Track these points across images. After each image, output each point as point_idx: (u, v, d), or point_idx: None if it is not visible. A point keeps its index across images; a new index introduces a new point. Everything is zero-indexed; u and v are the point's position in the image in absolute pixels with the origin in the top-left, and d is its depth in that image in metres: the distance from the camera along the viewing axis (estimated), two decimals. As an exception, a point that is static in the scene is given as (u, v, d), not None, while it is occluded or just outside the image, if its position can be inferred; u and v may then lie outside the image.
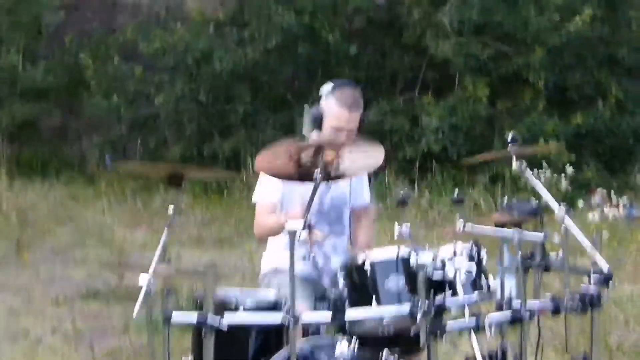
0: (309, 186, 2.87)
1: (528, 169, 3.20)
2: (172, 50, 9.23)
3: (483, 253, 3.06)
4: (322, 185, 3.18)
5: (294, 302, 2.59)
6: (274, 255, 3.39)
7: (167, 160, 8.75)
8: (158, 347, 2.46)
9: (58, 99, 9.80)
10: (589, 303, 3.08)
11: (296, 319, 2.54)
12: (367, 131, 3.43)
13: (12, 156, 8.86)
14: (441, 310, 2.79)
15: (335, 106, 3.29)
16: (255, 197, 3.41)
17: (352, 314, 2.76)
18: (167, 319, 2.41)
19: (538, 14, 8.83)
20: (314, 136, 3.35)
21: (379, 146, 2.95)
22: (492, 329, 2.87)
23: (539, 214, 3.24)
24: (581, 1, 8.88)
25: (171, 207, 2.56)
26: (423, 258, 2.82)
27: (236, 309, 2.80)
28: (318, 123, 3.32)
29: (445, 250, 2.97)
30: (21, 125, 9.33)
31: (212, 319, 2.44)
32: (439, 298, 2.78)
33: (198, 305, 2.78)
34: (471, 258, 2.98)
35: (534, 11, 8.85)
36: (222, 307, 2.77)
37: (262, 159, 2.84)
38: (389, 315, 2.80)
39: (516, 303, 2.96)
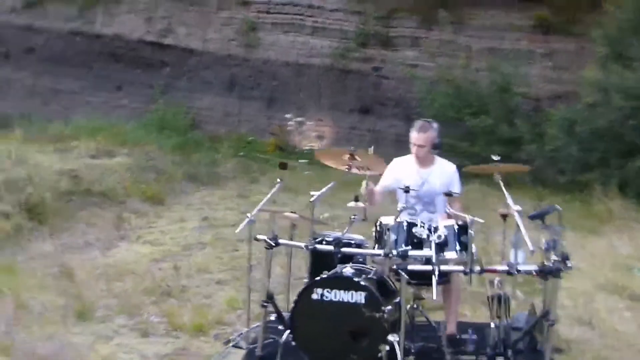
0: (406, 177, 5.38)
1: None
2: None
3: (471, 231, 4.70)
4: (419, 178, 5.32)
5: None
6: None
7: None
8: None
9: None
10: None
11: (312, 246, 4.83)
12: None
13: None
14: (404, 256, 4.61)
15: (412, 130, 5.45)
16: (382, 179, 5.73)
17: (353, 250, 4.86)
18: (255, 238, 5.02)
19: None
20: None
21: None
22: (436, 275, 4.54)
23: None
24: None
25: (279, 179, 5.13)
26: (387, 220, 4.72)
27: (321, 241, 5.13)
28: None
29: (442, 224, 4.77)
30: None
31: (271, 241, 4.92)
32: (403, 249, 4.64)
33: (311, 237, 5.25)
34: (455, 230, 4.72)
35: None
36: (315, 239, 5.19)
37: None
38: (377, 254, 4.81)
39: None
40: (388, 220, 4.93)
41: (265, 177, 14.03)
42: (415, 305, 5.37)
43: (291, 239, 5.28)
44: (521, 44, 15.32)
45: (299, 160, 14.85)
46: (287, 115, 16.89)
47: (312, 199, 4.92)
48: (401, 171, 5.63)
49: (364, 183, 5.28)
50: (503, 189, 4.87)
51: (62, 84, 18.47)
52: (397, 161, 5.80)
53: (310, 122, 17.06)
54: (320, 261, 5.17)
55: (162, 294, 6.59)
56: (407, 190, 5.03)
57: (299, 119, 16.92)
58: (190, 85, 17.89)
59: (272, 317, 5.35)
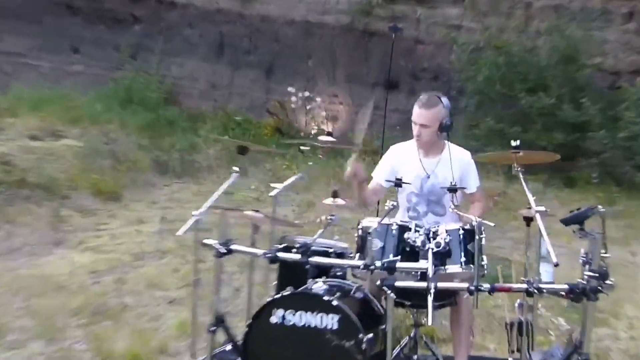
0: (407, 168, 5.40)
1: None
2: None
3: (478, 237, 4.66)
4: (424, 173, 5.29)
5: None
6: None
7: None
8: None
9: None
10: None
11: (272, 254, 4.80)
12: None
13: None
14: (391, 268, 4.57)
15: (414, 105, 5.49)
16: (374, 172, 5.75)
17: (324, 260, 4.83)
18: (200, 243, 5.01)
19: None
20: None
21: None
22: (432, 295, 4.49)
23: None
24: None
25: (235, 168, 5.09)
26: (370, 223, 4.69)
27: (287, 248, 5.11)
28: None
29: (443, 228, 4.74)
30: None
31: (219, 247, 4.90)
32: (390, 259, 4.60)
33: (279, 242, 5.22)
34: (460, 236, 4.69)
35: None
36: (287, 246, 5.16)
37: None
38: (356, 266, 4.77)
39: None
40: (371, 222, 4.90)
41: (258, 168, 14.08)
42: (412, 334, 5.35)
43: (253, 245, 5.27)
44: (595, 2, 15.20)
45: (302, 148, 14.87)
46: (291, 89, 16.89)
47: (273, 193, 4.89)
48: (400, 161, 5.62)
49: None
50: (523, 183, 4.81)
51: (2, 43, 18.58)
52: (395, 149, 5.79)
53: (320, 98, 17.04)
54: (289, 275, 5.16)
55: (94, 314, 6.62)
56: (398, 183, 4.99)
57: (306, 93, 16.92)
58: (167, 47, 17.95)
59: (228, 347, 5.34)
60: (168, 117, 16.36)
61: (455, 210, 4.94)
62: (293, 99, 16.85)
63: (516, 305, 5.02)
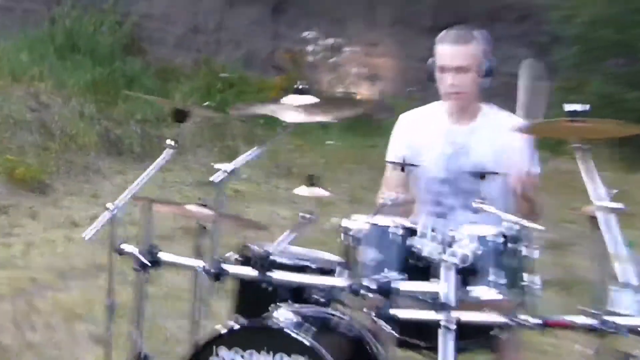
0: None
1: None
2: None
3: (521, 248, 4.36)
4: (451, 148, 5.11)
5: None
6: None
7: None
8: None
9: None
10: None
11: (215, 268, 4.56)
12: None
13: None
14: (386, 291, 4.31)
15: (438, 46, 5.31)
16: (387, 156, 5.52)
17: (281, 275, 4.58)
18: (118, 250, 4.80)
19: None
20: None
21: None
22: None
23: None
24: None
25: (169, 141, 4.87)
26: (357, 225, 4.44)
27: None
28: (432, 75, 5.37)
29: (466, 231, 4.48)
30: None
31: (144, 256, 4.68)
32: (386, 277, 4.34)
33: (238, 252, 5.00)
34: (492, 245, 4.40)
35: None
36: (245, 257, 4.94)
37: None
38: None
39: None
40: (358, 223, 4.64)
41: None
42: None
43: (198, 253, 5.04)
44: None
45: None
46: (307, 34, 16.76)
47: (215, 177, 4.66)
48: (418, 133, 5.44)
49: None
50: (582, 167, 4.52)
51: None
52: (407, 118, 5.65)
53: (351, 48, 16.93)
54: (251, 300, 4.99)
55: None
56: (403, 165, 4.77)
57: (329, 41, 16.78)
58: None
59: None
60: (127, 73, 16.35)
61: (482, 205, 4.66)
62: (311, 48, 16.71)
63: (577, 347, 4.77)
